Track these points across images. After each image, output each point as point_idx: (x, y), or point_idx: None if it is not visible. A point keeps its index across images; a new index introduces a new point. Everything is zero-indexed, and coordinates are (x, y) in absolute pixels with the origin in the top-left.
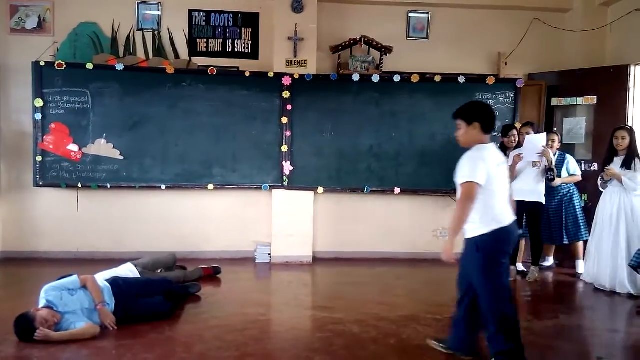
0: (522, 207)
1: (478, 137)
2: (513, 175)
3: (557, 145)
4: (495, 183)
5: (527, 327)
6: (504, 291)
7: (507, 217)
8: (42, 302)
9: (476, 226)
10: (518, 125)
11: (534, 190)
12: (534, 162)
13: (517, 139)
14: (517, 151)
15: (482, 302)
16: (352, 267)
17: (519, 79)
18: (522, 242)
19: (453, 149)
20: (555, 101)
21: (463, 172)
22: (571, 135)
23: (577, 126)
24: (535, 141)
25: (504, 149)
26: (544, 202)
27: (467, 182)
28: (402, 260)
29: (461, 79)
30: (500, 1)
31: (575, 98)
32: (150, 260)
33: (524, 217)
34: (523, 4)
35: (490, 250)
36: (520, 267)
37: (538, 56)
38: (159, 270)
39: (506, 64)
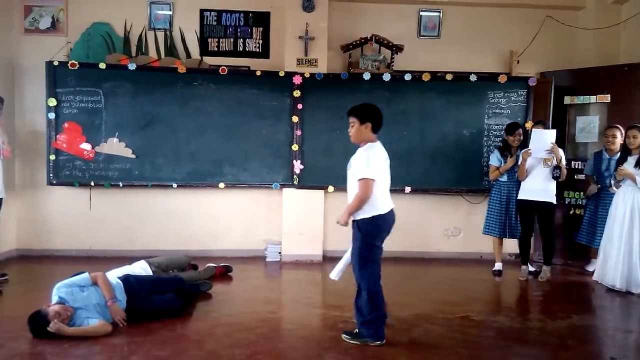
0: (532, 207)
1: (368, 135)
2: (523, 174)
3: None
4: (382, 177)
5: (540, 327)
6: (376, 268)
7: (387, 206)
8: (54, 299)
9: (361, 211)
10: (529, 124)
11: (545, 190)
12: (544, 160)
13: (522, 138)
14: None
15: (357, 274)
16: None
17: (531, 77)
18: (532, 242)
19: (464, 148)
20: (568, 99)
21: (361, 169)
22: (584, 134)
23: (590, 124)
24: (544, 136)
25: (508, 147)
26: (555, 202)
27: (364, 178)
28: (413, 260)
29: (473, 78)
30: None
31: (588, 96)
32: (165, 260)
33: (534, 217)
34: (536, 2)
35: (369, 232)
36: (531, 267)
37: (551, 54)
38: (172, 271)
39: (518, 62)
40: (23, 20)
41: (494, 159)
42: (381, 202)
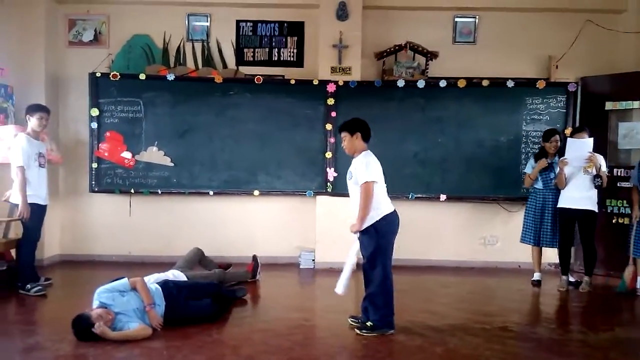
0: (573, 215)
1: (360, 145)
2: (562, 182)
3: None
4: (381, 182)
5: (582, 339)
6: (389, 264)
7: (391, 207)
8: (95, 304)
9: (373, 216)
10: (569, 130)
11: (586, 198)
12: (585, 167)
13: (559, 145)
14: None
15: (373, 272)
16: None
17: (571, 82)
18: (573, 251)
19: (502, 155)
20: (609, 105)
21: (362, 174)
22: (627, 140)
23: (632, 131)
24: (581, 145)
25: (545, 154)
26: (596, 210)
27: (367, 182)
28: (448, 268)
29: (510, 84)
30: (550, 3)
31: (631, 102)
32: (183, 262)
33: (575, 226)
34: (574, 6)
35: (386, 230)
36: (571, 277)
37: (591, 59)
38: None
39: (557, 67)
40: (67, 33)
41: (528, 167)
42: (385, 203)
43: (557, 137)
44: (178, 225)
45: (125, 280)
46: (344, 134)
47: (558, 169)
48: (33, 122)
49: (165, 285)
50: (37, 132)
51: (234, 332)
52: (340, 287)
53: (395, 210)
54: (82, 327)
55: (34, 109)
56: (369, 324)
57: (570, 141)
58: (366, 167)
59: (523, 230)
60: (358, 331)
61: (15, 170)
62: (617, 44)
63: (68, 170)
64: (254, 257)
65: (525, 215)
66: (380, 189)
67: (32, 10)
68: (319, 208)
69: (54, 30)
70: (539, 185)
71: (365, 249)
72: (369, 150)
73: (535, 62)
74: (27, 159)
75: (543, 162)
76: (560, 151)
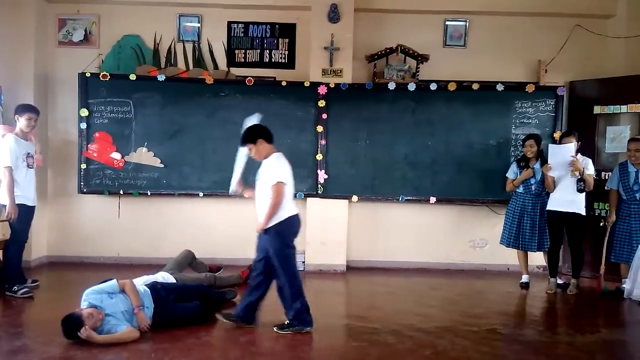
0: (561, 218)
1: (267, 148)
2: (550, 186)
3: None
4: (289, 184)
5: (569, 341)
6: (294, 264)
7: (294, 209)
8: (84, 305)
9: (276, 217)
10: (557, 134)
11: (573, 201)
12: (572, 171)
13: (535, 149)
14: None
15: (280, 273)
16: (386, 276)
17: (560, 86)
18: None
19: (491, 158)
20: (598, 109)
21: (273, 175)
22: (614, 144)
23: (620, 135)
24: (562, 150)
25: (526, 159)
26: (584, 213)
27: (278, 182)
28: (438, 271)
29: (500, 87)
30: (540, 8)
31: (619, 106)
32: (173, 264)
33: (563, 229)
34: (564, 11)
35: (287, 232)
36: (559, 279)
37: (580, 63)
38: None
39: (546, 71)
40: (57, 33)
41: (510, 171)
42: (289, 206)
43: (532, 141)
44: (167, 227)
45: (114, 281)
46: (248, 146)
47: (540, 174)
48: (22, 122)
49: (153, 287)
50: (26, 133)
51: (222, 335)
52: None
53: (297, 214)
54: (72, 327)
55: (23, 109)
56: (286, 322)
57: (552, 147)
58: (278, 169)
59: (502, 232)
60: (276, 329)
61: (2, 170)
62: (605, 48)
63: (57, 170)
64: (250, 267)
65: (505, 218)
66: (288, 192)
67: (22, 9)
68: (310, 210)
69: (44, 29)
70: (520, 189)
71: (269, 249)
72: (279, 153)
73: (525, 66)
74: (15, 159)
75: (529, 172)
76: (542, 155)
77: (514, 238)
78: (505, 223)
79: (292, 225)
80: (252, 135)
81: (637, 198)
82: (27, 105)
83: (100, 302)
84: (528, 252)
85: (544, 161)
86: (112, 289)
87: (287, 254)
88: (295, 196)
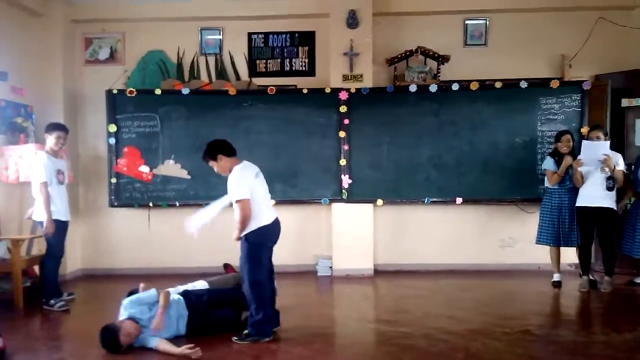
0: (591, 214)
1: (229, 163)
2: (579, 181)
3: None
4: (256, 193)
5: (605, 340)
6: (259, 274)
7: (270, 217)
8: (123, 315)
9: (247, 227)
10: (585, 129)
11: (604, 196)
12: (601, 167)
13: (571, 144)
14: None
15: (244, 283)
16: (414, 279)
17: (585, 81)
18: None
19: (518, 157)
20: (625, 102)
21: (233, 193)
22: None
23: None
24: (596, 148)
25: (559, 154)
26: (615, 208)
27: (239, 200)
28: (467, 272)
29: (523, 84)
30: (561, 2)
31: None
32: (218, 281)
33: (594, 225)
34: (586, 4)
35: (255, 242)
36: (592, 277)
37: (605, 56)
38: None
39: (570, 66)
40: (84, 52)
41: (549, 164)
42: (262, 215)
43: (568, 136)
44: (197, 237)
45: (153, 291)
46: (210, 163)
47: (542, 168)
48: (51, 140)
49: (186, 295)
50: (56, 151)
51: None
52: (193, 226)
53: (274, 221)
54: (111, 339)
55: (52, 128)
56: (245, 332)
57: (585, 143)
58: (237, 184)
59: (539, 231)
60: (235, 339)
61: (38, 187)
62: (630, 40)
63: (88, 186)
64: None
65: (540, 216)
66: (259, 199)
67: (50, 31)
68: (335, 215)
69: (71, 49)
70: (555, 185)
71: (241, 257)
72: (242, 163)
73: (548, 62)
74: (49, 175)
75: (569, 160)
76: (575, 151)
77: (553, 235)
78: (543, 221)
79: (262, 235)
80: (212, 152)
81: None
82: (56, 124)
83: (141, 314)
84: (560, 250)
85: (575, 157)
86: (152, 300)
87: (252, 265)
88: (320, 202)
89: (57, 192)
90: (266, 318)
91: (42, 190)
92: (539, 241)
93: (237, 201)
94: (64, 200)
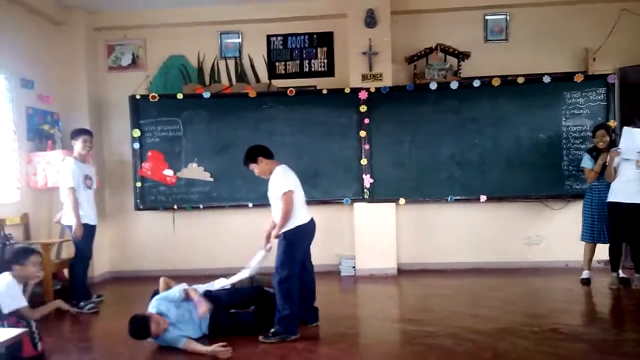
0: (624, 210)
1: (269, 165)
2: (611, 175)
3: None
4: (296, 192)
5: (636, 338)
6: (293, 271)
7: (307, 217)
8: (152, 310)
9: (286, 225)
10: (612, 123)
11: (637, 191)
12: (637, 161)
13: (608, 139)
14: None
15: (276, 278)
16: (439, 278)
17: (610, 74)
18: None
19: (542, 153)
20: None
21: (280, 187)
22: None
23: None
24: (636, 135)
25: (597, 150)
26: None
27: (285, 192)
28: (493, 270)
29: (546, 79)
30: None
31: None
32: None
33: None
34: None
35: (292, 240)
36: (622, 273)
37: (630, 49)
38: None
39: (594, 59)
40: (107, 58)
41: (586, 162)
42: (300, 214)
43: (603, 131)
44: (221, 238)
45: (181, 288)
46: (251, 167)
47: (580, 166)
48: (78, 145)
49: (205, 295)
50: (84, 155)
51: (280, 343)
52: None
53: (310, 220)
54: (140, 327)
55: (78, 133)
56: (271, 330)
57: (626, 130)
58: (283, 179)
59: (583, 228)
60: (261, 338)
61: (66, 192)
62: None
63: (114, 190)
64: None
65: (583, 213)
66: (297, 199)
67: (73, 39)
68: (357, 215)
69: (94, 56)
70: (595, 181)
71: (277, 252)
72: (283, 165)
73: (572, 56)
74: (76, 180)
75: (605, 157)
76: (611, 145)
77: (597, 231)
78: (585, 218)
79: (298, 234)
80: (252, 155)
81: None
82: (80, 129)
83: (167, 311)
84: (595, 248)
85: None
86: (178, 298)
87: (285, 261)
88: (342, 202)
89: (85, 196)
90: (293, 315)
91: (70, 196)
92: (584, 238)
93: (283, 194)
94: (91, 204)
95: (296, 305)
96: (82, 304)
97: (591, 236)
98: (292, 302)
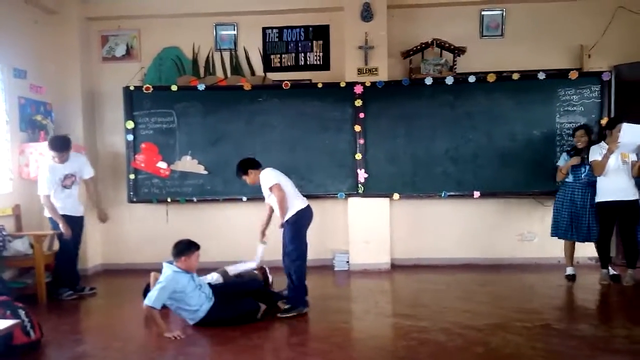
0: (615, 208)
1: (258, 173)
2: (603, 168)
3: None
4: (286, 187)
5: (628, 335)
6: (302, 250)
7: (303, 203)
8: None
9: (288, 213)
10: (604, 121)
11: (627, 188)
12: (622, 157)
13: (587, 139)
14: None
15: (290, 257)
16: (432, 273)
17: (605, 71)
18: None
19: (536, 149)
20: None
21: (268, 182)
22: None
23: None
24: (636, 131)
25: (576, 150)
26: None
27: (272, 185)
28: (485, 266)
29: (541, 75)
30: None
31: None
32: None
33: (615, 219)
34: None
35: (297, 222)
36: (612, 270)
37: (625, 46)
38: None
39: (589, 56)
40: (100, 49)
41: (561, 161)
42: (296, 203)
43: (582, 131)
44: (214, 232)
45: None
46: (243, 177)
47: (589, 160)
48: (52, 155)
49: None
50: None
51: (273, 336)
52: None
53: (307, 206)
54: (186, 242)
55: (50, 146)
56: (285, 306)
57: (626, 126)
58: (269, 176)
59: (552, 223)
60: (279, 314)
61: (41, 199)
62: None
63: (107, 182)
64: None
65: (554, 209)
66: (290, 192)
67: (66, 29)
68: (351, 209)
69: (88, 47)
70: (569, 178)
71: (286, 238)
72: (267, 167)
73: (567, 53)
74: (50, 185)
75: (576, 159)
76: (590, 145)
77: (564, 229)
78: (555, 214)
79: (301, 217)
80: (244, 168)
81: None
82: (52, 144)
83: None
84: (576, 244)
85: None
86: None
87: (297, 242)
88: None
89: (63, 194)
90: (304, 288)
91: (44, 203)
92: (553, 234)
93: (270, 188)
94: (70, 198)
95: (304, 280)
96: (61, 290)
97: (561, 232)
98: (304, 278)
